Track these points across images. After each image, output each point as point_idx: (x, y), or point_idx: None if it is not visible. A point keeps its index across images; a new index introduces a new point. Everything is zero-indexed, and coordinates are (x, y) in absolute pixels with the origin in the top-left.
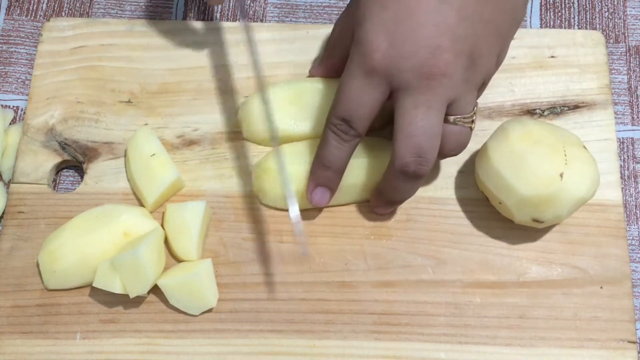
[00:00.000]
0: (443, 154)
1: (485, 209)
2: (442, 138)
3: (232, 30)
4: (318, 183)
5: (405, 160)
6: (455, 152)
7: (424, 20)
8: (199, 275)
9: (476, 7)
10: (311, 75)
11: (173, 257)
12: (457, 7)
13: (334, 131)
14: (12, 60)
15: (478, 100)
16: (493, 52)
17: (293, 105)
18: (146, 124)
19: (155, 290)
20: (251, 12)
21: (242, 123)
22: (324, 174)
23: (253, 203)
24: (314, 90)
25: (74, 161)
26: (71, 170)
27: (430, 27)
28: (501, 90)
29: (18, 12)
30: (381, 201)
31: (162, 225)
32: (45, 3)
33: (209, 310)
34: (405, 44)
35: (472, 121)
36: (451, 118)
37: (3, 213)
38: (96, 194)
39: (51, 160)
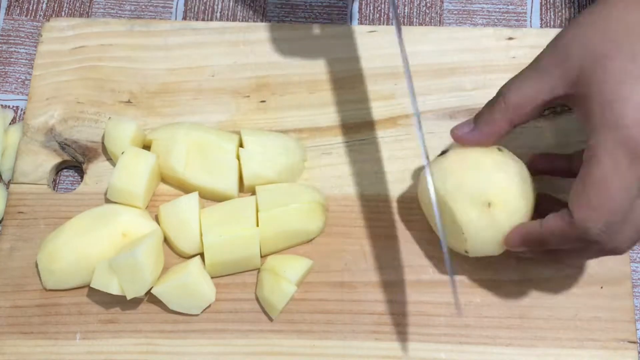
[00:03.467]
0: None
1: None
2: None
3: (232, 30)
4: (514, 245)
5: (622, 247)
6: None
7: None
8: (192, 274)
9: None
10: (458, 138)
11: (177, 254)
12: None
13: (584, 237)
14: (12, 60)
15: None
16: None
17: (196, 156)
18: (109, 118)
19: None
20: (251, 12)
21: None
22: (527, 248)
23: None
24: (219, 147)
25: (74, 161)
26: (71, 170)
27: None
28: None
29: (18, 12)
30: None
31: None
32: (45, 3)
33: (210, 310)
34: None
35: None
36: None
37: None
38: (96, 194)
39: (51, 160)
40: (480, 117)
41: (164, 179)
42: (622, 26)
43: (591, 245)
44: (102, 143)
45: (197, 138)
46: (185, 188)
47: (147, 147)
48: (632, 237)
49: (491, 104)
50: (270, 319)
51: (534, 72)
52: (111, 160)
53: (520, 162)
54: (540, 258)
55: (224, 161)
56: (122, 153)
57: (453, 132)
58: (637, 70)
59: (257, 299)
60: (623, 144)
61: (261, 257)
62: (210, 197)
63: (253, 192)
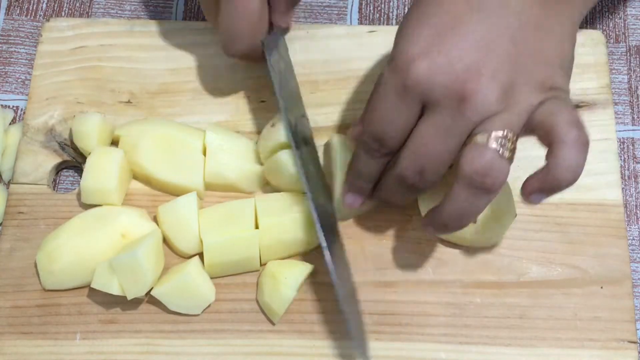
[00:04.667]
0: (464, 176)
1: None
2: (461, 158)
3: None
4: (351, 189)
5: (404, 173)
6: (477, 176)
7: (463, 33)
8: (190, 274)
9: (518, 27)
10: (353, 137)
11: (177, 254)
12: (496, 23)
13: (365, 148)
14: (12, 60)
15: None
16: (533, 78)
17: (162, 151)
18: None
19: None
20: None
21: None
22: (356, 182)
23: None
24: (185, 143)
25: (74, 161)
26: (71, 170)
27: (468, 41)
28: None
29: (18, 12)
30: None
31: None
32: (45, 3)
33: (210, 310)
34: (439, 58)
35: (503, 144)
36: (477, 137)
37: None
38: None
39: (51, 160)
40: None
41: (133, 175)
42: None
43: (388, 171)
44: (72, 141)
45: (163, 134)
46: (152, 184)
47: (116, 142)
48: (412, 163)
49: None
50: (272, 323)
51: None
52: None
53: None
54: (372, 199)
55: (190, 157)
56: (89, 154)
57: (350, 134)
58: (418, 10)
59: (258, 303)
60: (394, 73)
61: (261, 264)
62: (178, 193)
63: (217, 190)
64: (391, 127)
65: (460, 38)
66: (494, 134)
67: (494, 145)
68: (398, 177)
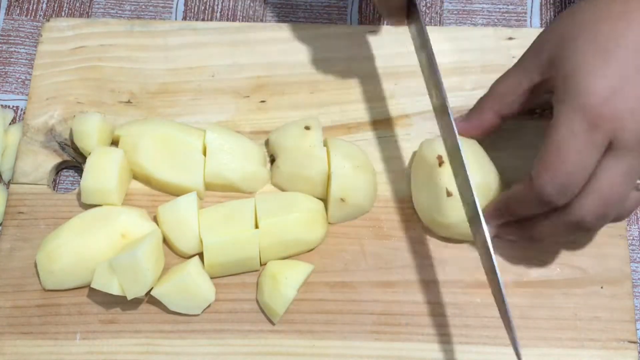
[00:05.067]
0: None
1: None
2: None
3: (232, 30)
4: (495, 222)
5: (587, 218)
6: (624, 218)
7: None
8: (191, 275)
9: None
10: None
11: (177, 254)
12: None
13: (540, 197)
14: (12, 60)
15: None
16: None
17: (162, 151)
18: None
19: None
20: (251, 12)
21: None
22: (500, 221)
23: None
24: (185, 143)
25: (74, 161)
26: (71, 171)
27: None
28: None
29: (18, 12)
30: (514, 228)
31: None
32: (45, 3)
33: (210, 310)
34: (631, 101)
35: None
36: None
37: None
38: None
39: (51, 160)
40: (472, 109)
41: (133, 175)
42: (590, 11)
43: (555, 214)
44: (72, 141)
45: (163, 134)
46: (152, 184)
47: (116, 142)
48: (597, 209)
49: (481, 98)
50: (272, 322)
51: (516, 66)
52: None
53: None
54: (519, 238)
55: (190, 157)
56: (89, 154)
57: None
58: (596, 46)
59: (258, 302)
60: (581, 111)
61: (261, 264)
62: (178, 193)
63: (217, 190)
64: (580, 171)
65: None
66: None
67: None
68: (575, 222)
